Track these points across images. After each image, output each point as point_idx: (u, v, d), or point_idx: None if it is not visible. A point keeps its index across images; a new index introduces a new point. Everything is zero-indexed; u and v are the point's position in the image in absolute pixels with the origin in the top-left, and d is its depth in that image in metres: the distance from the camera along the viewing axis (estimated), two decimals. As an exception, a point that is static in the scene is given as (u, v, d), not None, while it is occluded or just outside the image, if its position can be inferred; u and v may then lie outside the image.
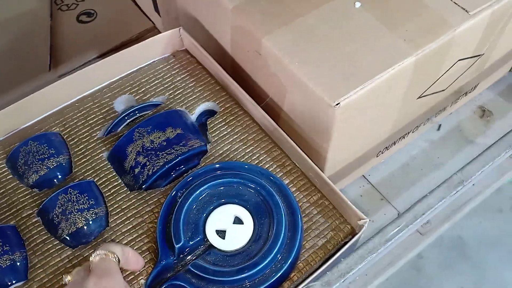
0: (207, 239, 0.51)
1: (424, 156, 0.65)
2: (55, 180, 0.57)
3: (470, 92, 0.66)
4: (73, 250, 0.53)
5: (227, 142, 0.60)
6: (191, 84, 0.65)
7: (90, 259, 0.45)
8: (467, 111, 0.69)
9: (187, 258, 0.50)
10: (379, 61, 0.49)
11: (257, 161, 0.58)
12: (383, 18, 0.53)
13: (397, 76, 0.50)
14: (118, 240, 0.54)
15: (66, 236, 0.53)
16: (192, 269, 0.49)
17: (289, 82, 0.53)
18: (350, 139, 0.54)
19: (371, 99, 0.50)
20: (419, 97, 0.56)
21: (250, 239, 0.51)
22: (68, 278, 0.46)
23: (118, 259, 0.47)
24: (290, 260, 0.50)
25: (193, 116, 0.62)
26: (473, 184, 0.62)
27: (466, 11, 0.52)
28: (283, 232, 0.50)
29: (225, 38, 0.62)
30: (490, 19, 0.53)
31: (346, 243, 0.51)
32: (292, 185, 0.57)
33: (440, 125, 0.67)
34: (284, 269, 0.49)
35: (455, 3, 0.52)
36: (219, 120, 0.62)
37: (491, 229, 1.30)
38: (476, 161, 0.54)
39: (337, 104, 0.47)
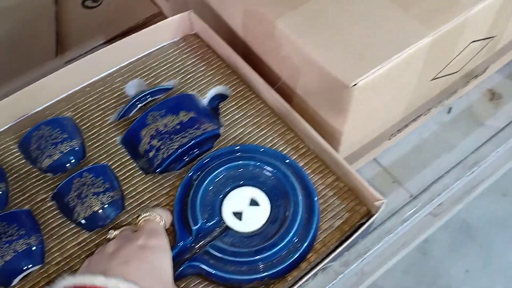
0: (224, 221, 0.51)
1: (435, 138, 0.66)
2: (68, 165, 0.57)
3: (480, 75, 0.67)
4: (90, 233, 0.53)
5: (240, 125, 0.60)
6: (202, 68, 0.65)
7: (138, 221, 0.49)
8: (477, 94, 0.69)
9: (205, 240, 0.50)
10: (395, 41, 0.49)
11: (271, 144, 0.58)
12: (398, -1, 0.53)
13: (413, 57, 0.50)
14: (133, 223, 0.54)
15: (82, 219, 0.53)
16: (210, 250, 0.49)
17: (303, 64, 0.53)
18: (365, 120, 0.54)
19: (387, 80, 0.50)
20: (433, 79, 0.56)
21: (266, 221, 0.51)
22: (114, 233, 0.49)
23: (164, 222, 0.49)
24: (307, 241, 0.50)
25: (205, 100, 0.62)
26: (485, 166, 0.62)
27: (480, -9, 0.52)
28: (300, 213, 0.50)
29: (236, 21, 0.62)
30: (502, 0, 0.53)
31: (363, 224, 0.51)
32: (307, 167, 0.57)
33: (450, 108, 0.68)
34: (301, 250, 0.50)
35: (470, -17, 0.53)
36: (231, 104, 0.62)
37: (497, 212, 1.31)
38: (490, 143, 0.55)
39: (354, 85, 0.47)
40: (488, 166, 0.61)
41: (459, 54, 0.56)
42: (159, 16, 0.81)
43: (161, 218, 0.50)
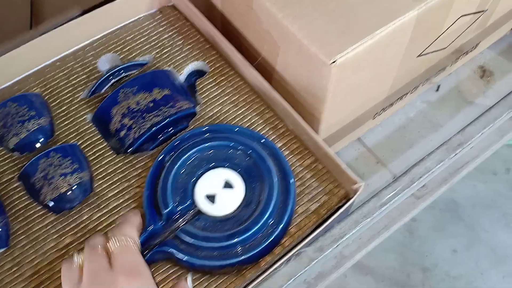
0: (196, 204, 0.49)
1: (422, 117, 0.63)
2: (36, 144, 0.55)
3: (470, 51, 0.64)
4: (57, 216, 0.51)
5: (218, 103, 0.57)
6: (179, 43, 0.62)
7: (109, 244, 0.40)
8: (467, 71, 0.66)
9: (176, 223, 0.48)
10: (379, 14, 0.46)
11: (249, 123, 0.56)
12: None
13: (398, 32, 0.47)
14: (103, 205, 0.51)
15: (49, 201, 0.51)
16: (181, 235, 0.47)
17: (282, 38, 0.50)
18: (346, 99, 0.51)
19: (370, 57, 0.47)
20: (419, 55, 0.53)
21: (240, 204, 0.49)
22: (79, 260, 0.40)
23: (138, 244, 0.42)
24: (282, 225, 0.48)
25: (181, 77, 0.59)
26: (472, 147, 0.60)
27: (471, -39, 0.49)
28: (274, 196, 0.48)
29: (214, -8, 0.58)
30: (496, -29, 0.50)
31: (340, 207, 0.49)
32: (285, 148, 0.54)
33: (439, 86, 0.65)
34: (275, 234, 0.48)
35: (460, -47, 0.49)
36: (209, 81, 0.59)
37: (485, 192, 1.30)
38: (477, 122, 0.52)
39: (333, 62, 0.44)
40: (474, 147, 0.58)
41: (447, 28, 0.53)
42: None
43: (134, 242, 0.42)
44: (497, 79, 0.64)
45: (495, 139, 0.60)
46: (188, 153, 0.51)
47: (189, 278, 0.44)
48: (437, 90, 0.65)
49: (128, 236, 0.42)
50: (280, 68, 0.54)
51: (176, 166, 0.50)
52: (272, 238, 0.48)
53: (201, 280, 0.48)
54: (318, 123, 0.53)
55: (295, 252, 0.48)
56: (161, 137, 0.54)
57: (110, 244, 0.41)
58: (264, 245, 0.47)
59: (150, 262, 0.48)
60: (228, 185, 0.50)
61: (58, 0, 0.76)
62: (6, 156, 0.54)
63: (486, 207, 1.28)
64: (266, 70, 0.56)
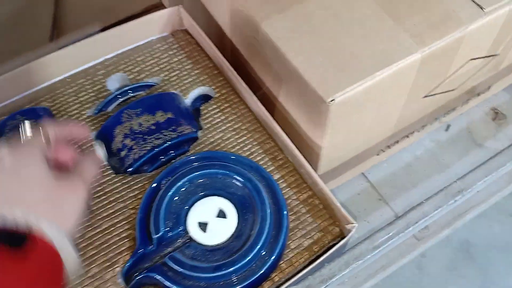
0: (188, 232, 0.49)
1: (429, 157, 0.62)
2: (40, 157, 0.56)
3: (483, 93, 0.62)
4: None
5: (220, 130, 0.57)
6: (188, 67, 0.62)
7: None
8: (479, 112, 0.64)
9: (166, 249, 0.48)
10: (381, 55, 0.46)
11: (249, 152, 0.56)
12: (390, 8, 0.49)
13: (400, 74, 0.46)
14: (96, 224, 0.52)
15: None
16: (169, 262, 0.47)
17: (285, 71, 0.49)
18: (346, 136, 0.50)
19: (370, 97, 0.46)
20: (426, 96, 0.52)
21: (232, 235, 0.49)
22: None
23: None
24: (273, 259, 0.48)
25: (187, 100, 0.60)
26: (478, 191, 0.58)
27: (480, 7, 0.47)
28: (266, 230, 0.48)
29: (224, 19, 0.59)
30: (506, 17, 0.49)
31: (333, 246, 0.48)
32: (282, 180, 0.54)
33: (449, 126, 0.63)
34: (265, 268, 0.47)
35: (471, -3, 0.48)
36: (214, 107, 0.59)
37: (501, 233, 1.26)
38: (479, 169, 0.51)
39: (332, 100, 0.44)
40: (480, 192, 0.56)
41: (456, 71, 0.51)
42: (159, 6, 0.78)
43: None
44: (510, 123, 0.62)
45: (502, 185, 0.58)
46: (184, 179, 0.51)
47: None
48: (447, 129, 0.63)
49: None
50: (282, 99, 0.54)
51: (171, 191, 0.50)
52: (261, 272, 0.47)
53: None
54: (317, 157, 0.52)
55: (284, 288, 0.47)
56: (162, 159, 0.55)
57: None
58: (252, 279, 0.47)
59: (137, 286, 0.48)
60: (221, 214, 0.50)
61: (80, 15, 0.78)
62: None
63: (501, 249, 1.24)
64: (269, 100, 0.56)
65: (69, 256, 0.37)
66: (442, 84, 0.52)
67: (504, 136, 0.61)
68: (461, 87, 0.55)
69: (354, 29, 0.48)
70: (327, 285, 0.47)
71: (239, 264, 0.46)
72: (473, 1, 0.48)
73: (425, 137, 0.63)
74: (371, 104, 0.48)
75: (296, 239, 0.51)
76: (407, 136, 0.59)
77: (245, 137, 0.57)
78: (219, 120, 0.58)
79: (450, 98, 0.56)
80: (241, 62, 0.59)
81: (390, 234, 0.48)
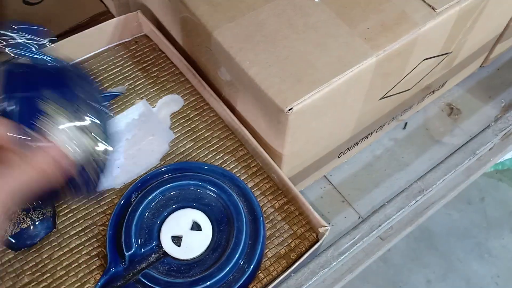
0: (162, 246, 0.47)
1: (389, 156, 0.62)
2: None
3: (437, 90, 0.63)
4: (16, 254, 0.49)
5: (190, 139, 0.56)
6: (154, 74, 0.61)
7: None
8: (434, 108, 0.65)
9: (139, 266, 0.47)
10: (337, 61, 0.45)
11: (221, 161, 0.54)
12: (344, 13, 0.48)
13: (356, 78, 0.46)
14: (65, 244, 0.50)
15: (10, 237, 0.49)
16: (142, 280, 0.45)
17: (240, 81, 0.48)
18: (307, 143, 0.50)
19: (328, 103, 0.46)
20: (382, 98, 0.53)
21: (208, 247, 0.48)
22: None
23: None
24: (250, 270, 0.47)
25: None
26: (436, 191, 0.59)
27: (433, 8, 0.48)
28: (243, 240, 0.47)
29: (176, 29, 0.57)
30: (457, 16, 0.49)
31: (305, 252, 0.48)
32: (257, 188, 0.53)
33: (406, 123, 0.64)
34: (243, 279, 0.46)
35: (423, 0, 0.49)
36: (183, 115, 0.58)
37: (460, 221, 1.30)
38: (439, 168, 0.51)
39: (290, 109, 0.43)
40: (441, 188, 0.57)
41: (410, 72, 0.52)
42: (106, 15, 0.75)
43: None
44: (465, 118, 0.64)
45: (461, 179, 0.59)
46: (155, 192, 0.49)
47: None
48: (404, 127, 0.64)
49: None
50: (240, 109, 0.53)
51: (142, 205, 0.49)
52: (239, 284, 0.46)
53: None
54: (280, 164, 0.51)
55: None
56: None
57: None
58: None
59: None
60: (195, 226, 0.49)
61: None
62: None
63: (460, 236, 1.28)
64: (230, 109, 0.55)
65: None
66: (397, 85, 0.52)
67: (460, 131, 0.62)
68: (416, 86, 0.56)
69: (309, 36, 0.47)
70: (294, 295, 0.46)
71: (217, 277, 0.45)
72: (425, 2, 0.48)
73: (383, 136, 0.63)
74: (329, 110, 0.47)
75: (273, 247, 0.50)
76: (366, 137, 0.59)
77: (217, 145, 0.55)
78: (189, 128, 0.57)
79: (406, 97, 0.57)
80: (197, 71, 0.57)
81: (355, 238, 0.48)
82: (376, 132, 0.60)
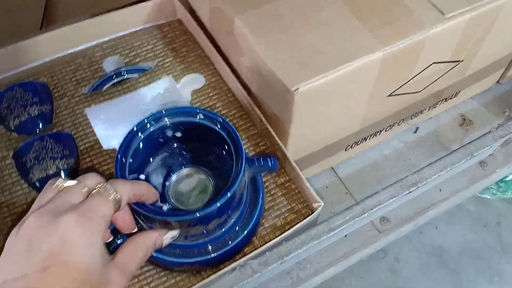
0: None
1: (397, 156, 0.65)
2: (34, 128, 0.60)
3: (450, 99, 0.65)
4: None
5: None
6: (182, 54, 0.67)
7: (93, 186, 0.38)
8: (447, 117, 0.68)
9: None
10: (344, 52, 0.49)
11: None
12: (357, 10, 0.53)
13: (362, 70, 0.50)
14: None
15: (36, 180, 0.56)
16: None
17: (256, 63, 0.53)
18: (312, 126, 0.54)
19: (334, 89, 0.50)
20: (390, 95, 0.56)
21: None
22: (61, 184, 0.38)
23: (119, 205, 0.39)
24: (245, 234, 0.51)
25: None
26: (440, 190, 0.61)
27: (442, 13, 0.51)
28: (242, 205, 0.51)
29: (205, 15, 0.64)
30: (467, 24, 0.52)
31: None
32: None
33: (417, 128, 0.67)
34: (237, 241, 0.50)
35: (433, 4, 0.52)
36: (203, 93, 0.63)
37: (474, 242, 1.29)
38: (435, 165, 0.54)
39: (295, 90, 0.48)
40: (444, 190, 0.60)
41: (419, 73, 0.55)
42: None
43: (115, 199, 0.38)
44: (476, 129, 0.66)
45: (464, 185, 0.61)
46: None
47: (169, 234, 0.43)
48: (415, 132, 0.67)
49: (114, 191, 0.39)
50: (255, 91, 0.58)
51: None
52: (233, 245, 0.50)
53: (160, 274, 0.51)
54: (286, 145, 0.56)
55: (242, 262, 0.50)
56: None
57: (95, 185, 0.39)
58: (223, 250, 0.50)
59: (115, 248, 0.51)
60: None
61: (71, 6, 0.81)
62: (5, 135, 0.60)
63: (473, 257, 1.26)
64: (246, 88, 0.60)
65: None
66: (406, 85, 0.55)
67: (469, 141, 0.64)
68: (427, 89, 0.59)
69: (321, 28, 0.52)
70: (283, 261, 0.50)
71: (214, 235, 0.49)
72: (435, 7, 0.52)
73: (394, 137, 0.66)
74: (335, 97, 0.51)
75: (271, 218, 0.54)
76: (375, 135, 0.63)
77: (231, 123, 0.60)
78: (207, 105, 0.62)
79: (416, 100, 0.60)
80: (221, 54, 0.63)
81: (346, 218, 0.51)
82: (386, 131, 0.63)
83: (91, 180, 0.40)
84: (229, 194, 0.44)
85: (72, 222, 0.35)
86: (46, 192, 0.39)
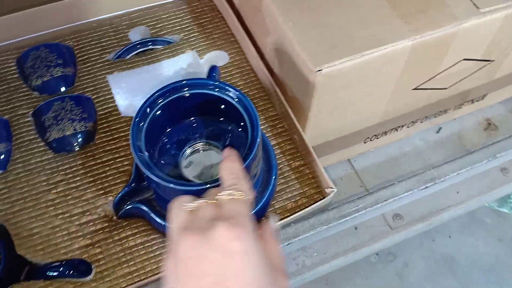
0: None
1: (416, 154, 0.63)
2: (56, 89, 0.61)
3: (477, 101, 0.64)
4: (55, 155, 0.56)
5: None
6: (208, 30, 0.67)
7: (218, 196, 0.36)
8: (472, 120, 0.66)
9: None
10: (373, 37, 0.48)
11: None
12: (390, -4, 0.52)
13: (389, 57, 0.49)
14: (98, 156, 0.56)
15: (53, 140, 0.56)
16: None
17: (281, 41, 0.53)
18: (333, 111, 0.53)
19: (358, 74, 0.49)
20: (415, 89, 0.55)
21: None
22: (190, 206, 0.36)
23: (251, 199, 0.38)
24: (255, 211, 0.50)
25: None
26: (458, 192, 0.60)
27: (477, 7, 0.50)
28: (254, 182, 0.50)
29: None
30: (503, 21, 0.51)
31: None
32: (278, 146, 0.58)
33: (440, 128, 0.65)
34: None
35: (469, -2, 0.51)
36: (226, 71, 0.63)
37: (486, 255, 1.26)
38: (454, 163, 0.52)
39: (319, 70, 0.47)
40: (461, 192, 0.58)
41: (447, 69, 0.54)
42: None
43: (247, 197, 0.37)
44: (500, 135, 0.64)
45: (483, 190, 0.60)
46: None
47: (272, 219, 0.41)
48: (438, 132, 0.65)
49: (238, 190, 0.37)
50: (277, 70, 0.57)
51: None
52: None
53: (167, 243, 0.51)
54: (304, 128, 0.55)
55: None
56: None
57: (220, 195, 0.37)
58: None
59: (126, 215, 0.51)
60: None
61: None
62: (26, 93, 0.61)
63: (483, 270, 1.23)
64: (268, 69, 0.59)
65: None
66: (432, 80, 0.54)
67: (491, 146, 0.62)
68: (453, 87, 0.57)
69: (352, 11, 0.51)
70: (290, 243, 0.49)
71: None
72: (471, 1, 0.50)
73: (415, 135, 0.65)
74: (358, 83, 0.50)
75: (281, 200, 0.54)
76: (396, 129, 0.61)
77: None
78: (229, 84, 0.61)
79: (441, 97, 0.58)
80: (247, 32, 0.62)
81: (358, 206, 0.50)
82: (407, 127, 0.62)
83: (209, 195, 0.38)
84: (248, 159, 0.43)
85: (225, 231, 0.33)
86: (178, 216, 0.36)
